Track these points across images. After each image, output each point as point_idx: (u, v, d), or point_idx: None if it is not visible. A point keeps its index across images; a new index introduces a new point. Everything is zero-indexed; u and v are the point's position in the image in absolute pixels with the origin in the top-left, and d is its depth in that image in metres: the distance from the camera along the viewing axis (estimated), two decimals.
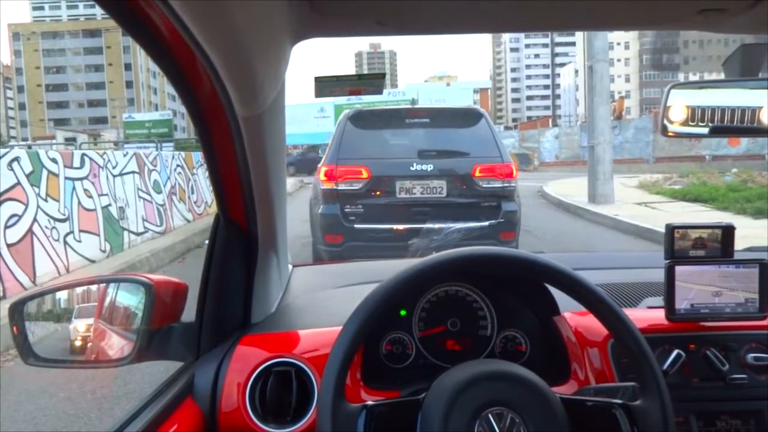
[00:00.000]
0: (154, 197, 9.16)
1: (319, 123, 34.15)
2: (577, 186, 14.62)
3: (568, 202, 12.06)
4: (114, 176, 7.87)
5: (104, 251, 7.21)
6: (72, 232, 6.54)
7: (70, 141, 39.44)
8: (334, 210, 4.94)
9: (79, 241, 6.65)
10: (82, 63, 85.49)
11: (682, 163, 22.22)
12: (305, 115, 32.93)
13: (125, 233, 7.91)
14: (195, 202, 11.25)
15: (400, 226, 4.88)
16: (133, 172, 8.53)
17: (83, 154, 7.17)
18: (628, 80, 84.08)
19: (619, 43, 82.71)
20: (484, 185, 4.95)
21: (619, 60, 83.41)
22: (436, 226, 4.66)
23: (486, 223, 4.87)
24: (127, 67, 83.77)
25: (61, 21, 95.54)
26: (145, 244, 8.23)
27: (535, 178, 21.75)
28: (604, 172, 11.59)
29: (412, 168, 4.91)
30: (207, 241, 1.11)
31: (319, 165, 5.30)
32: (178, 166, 10.67)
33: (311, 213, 5.50)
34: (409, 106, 5.80)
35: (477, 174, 4.94)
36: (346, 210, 4.93)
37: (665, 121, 1.07)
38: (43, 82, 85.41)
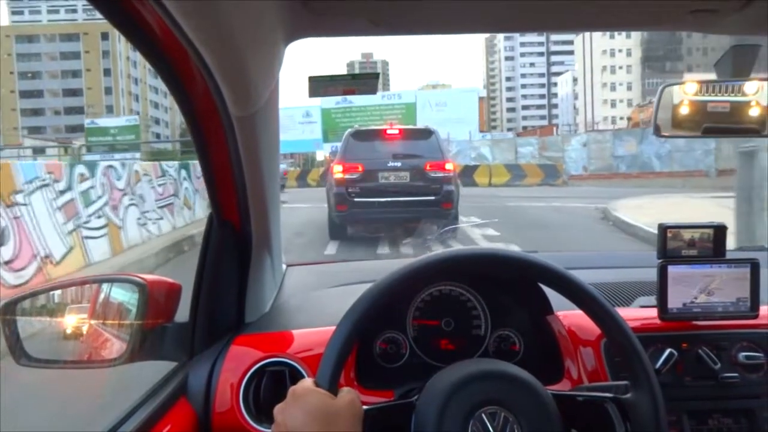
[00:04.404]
0: None
1: (305, 129, 30.64)
2: (656, 208, 10.86)
3: None
4: None
5: None
6: None
7: (38, 150, 35.95)
8: (342, 190, 8.21)
9: None
10: (59, 68, 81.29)
11: None
12: (289, 120, 29.51)
13: None
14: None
15: (383, 199, 8.17)
16: None
17: None
18: (630, 88, 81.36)
19: (620, 50, 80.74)
20: (432, 175, 8.24)
21: (621, 67, 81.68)
22: (402, 199, 8.06)
23: (432, 197, 8.11)
24: (107, 72, 79.69)
25: (40, 24, 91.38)
26: None
27: (569, 194, 17.64)
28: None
29: (388, 165, 8.30)
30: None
31: (332, 163, 9.28)
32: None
33: (327, 195, 8.82)
34: (388, 127, 8.73)
35: (427, 168, 8.27)
36: (349, 190, 8.21)
37: (658, 122, 1.11)
38: (17, 88, 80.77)
